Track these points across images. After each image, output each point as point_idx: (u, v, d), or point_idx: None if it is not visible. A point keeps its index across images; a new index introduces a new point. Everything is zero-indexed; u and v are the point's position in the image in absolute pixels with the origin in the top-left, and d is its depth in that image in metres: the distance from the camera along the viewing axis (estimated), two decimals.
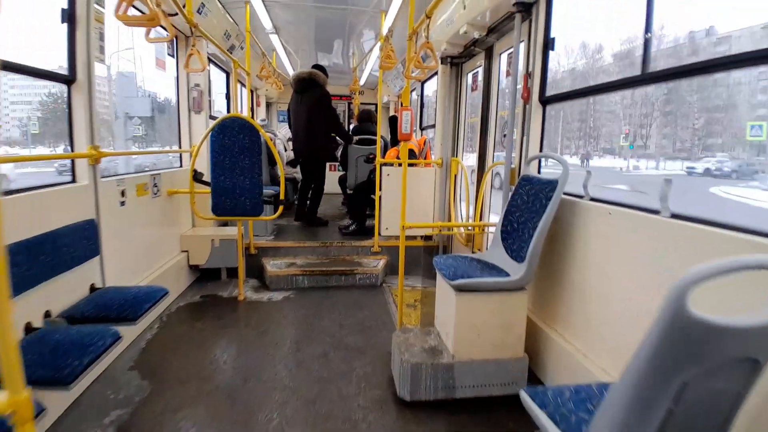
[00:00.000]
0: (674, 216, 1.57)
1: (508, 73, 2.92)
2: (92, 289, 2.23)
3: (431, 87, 6.12)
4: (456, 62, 3.80)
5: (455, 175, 3.94)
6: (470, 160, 4.11)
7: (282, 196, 3.26)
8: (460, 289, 1.98)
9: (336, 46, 5.69)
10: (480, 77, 3.46)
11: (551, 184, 2.02)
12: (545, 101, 2.45)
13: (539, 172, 2.58)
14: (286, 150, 6.18)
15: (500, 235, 2.35)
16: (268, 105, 8.12)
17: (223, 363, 2.39)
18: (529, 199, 2.17)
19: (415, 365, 2.00)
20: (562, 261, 2.14)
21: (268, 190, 4.12)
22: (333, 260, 3.87)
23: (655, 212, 1.66)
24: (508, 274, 2.10)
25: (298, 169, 5.69)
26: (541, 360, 2.22)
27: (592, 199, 2.02)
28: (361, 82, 6.55)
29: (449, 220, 3.97)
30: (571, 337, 2.07)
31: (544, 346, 2.20)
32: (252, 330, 2.81)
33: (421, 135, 4.82)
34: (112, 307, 1.95)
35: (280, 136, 6.03)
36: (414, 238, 3.99)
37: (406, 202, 2.43)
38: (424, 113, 5.90)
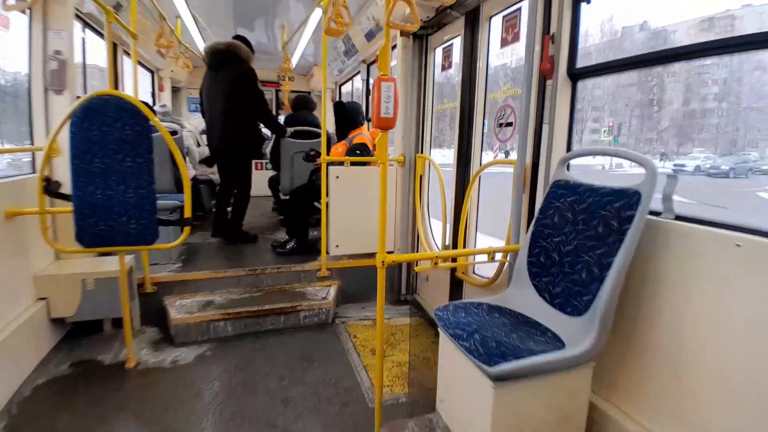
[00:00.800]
0: None
1: (504, 42, 2.19)
2: None
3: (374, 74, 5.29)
4: (420, 34, 3.01)
5: (421, 176, 3.17)
6: (440, 157, 3.37)
7: (188, 213, 2.21)
8: (501, 378, 1.19)
9: (261, 19, 4.62)
10: (456, 52, 2.71)
11: (624, 197, 1.30)
12: (575, 74, 1.75)
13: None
14: (199, 145, 5.00)
15: (527, 268, 1.61)
16: (175, 91, 6.70)
17: None
18: (577, 217, 1.45)
19: None
20: (637, 312, 1.44)
21: (169, 202, 3.02)
22: (267, 293, 2.89)
23: None
24: (558, 338, 1.36)
25: (215, 168, 4.57)
26: None
27: (679, 218, 1.34)
28: (291, 66, 5.51)
29: (415, 234, 3.19)
30: (654, 423, 1.38)
31: None
32: (145, 425, 1.78)
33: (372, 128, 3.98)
34: None
35: (189, 128, 4.84)
36: (368, 254, 3.16)
37: (385, 217, 1.57)
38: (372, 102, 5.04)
